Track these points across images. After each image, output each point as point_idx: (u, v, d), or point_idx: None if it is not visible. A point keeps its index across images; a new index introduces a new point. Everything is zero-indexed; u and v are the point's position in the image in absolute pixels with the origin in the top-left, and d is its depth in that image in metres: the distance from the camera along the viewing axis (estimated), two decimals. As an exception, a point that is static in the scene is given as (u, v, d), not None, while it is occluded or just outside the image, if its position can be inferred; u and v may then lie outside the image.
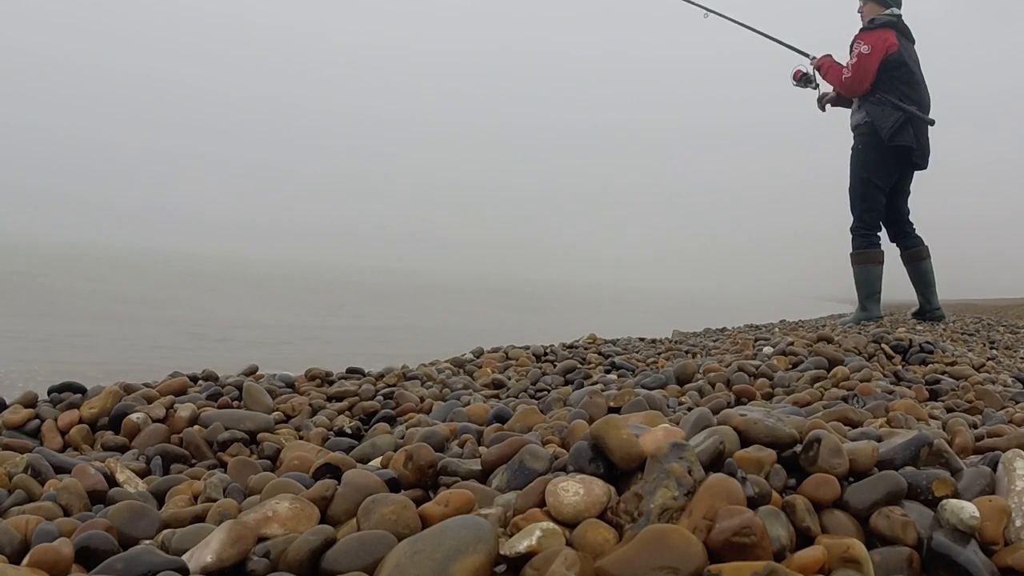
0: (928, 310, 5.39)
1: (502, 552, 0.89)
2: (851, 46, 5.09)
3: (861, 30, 5.06)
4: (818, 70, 5.33)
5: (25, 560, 0.94)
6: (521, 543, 0.89)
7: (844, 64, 5.09)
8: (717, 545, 0.87)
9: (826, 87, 5.43)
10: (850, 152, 5.26)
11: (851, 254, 5.32)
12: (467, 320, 15.28)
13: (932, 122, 5.02)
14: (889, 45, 4.93)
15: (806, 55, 5.46)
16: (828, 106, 5.51)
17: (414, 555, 0.86)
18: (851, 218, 5.30)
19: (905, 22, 5.09)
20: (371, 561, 0.90)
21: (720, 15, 5.63)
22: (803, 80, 5.45)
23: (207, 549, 0.92)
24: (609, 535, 0.92)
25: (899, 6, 5.11)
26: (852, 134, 5.27)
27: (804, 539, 0.94)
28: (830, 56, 5.28)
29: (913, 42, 5.15)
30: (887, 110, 4.96)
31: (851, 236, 5.30)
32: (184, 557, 0.94)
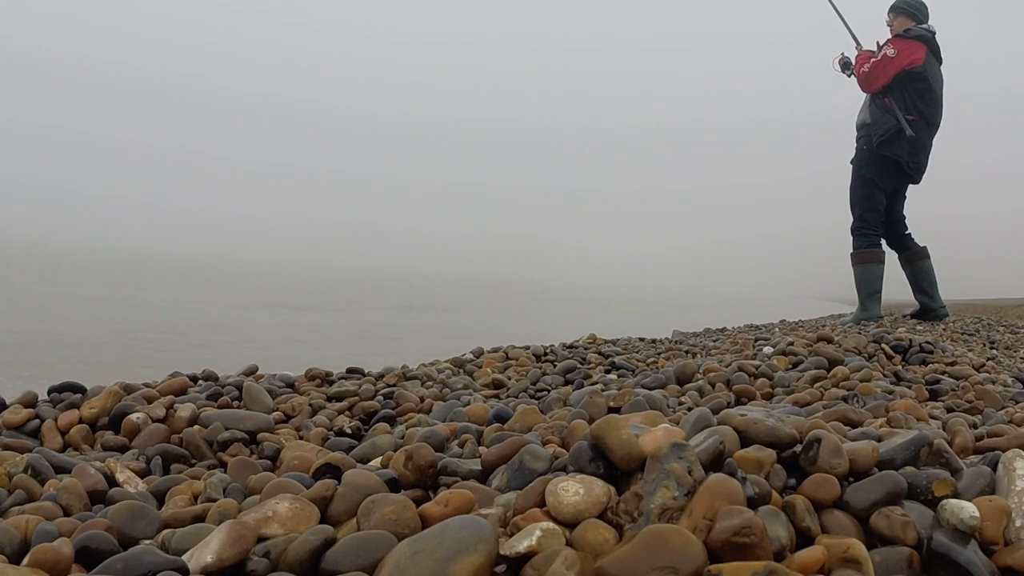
0: (933, 308, 5.40)
1: (502, 552, 0.89)
2: (880, 48, 5.16)
3: (896, 36, 5.11)
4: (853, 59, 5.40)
5: (25, 560, 0.94)
6: (521, 543, 0.89)
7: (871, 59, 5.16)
8: (717, 545, 0.87)
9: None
10: (856, 152, 5.30)
11: (851, 254, 5.33)
12: (467, 320, 15.28)
13: (914, 136, 5.01)
14: (916, 59, 5.01)
15: (859, 44, 5.50)
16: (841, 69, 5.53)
17: (414, 555, 0.86)
18: (851, 218, 5.32)
19: (938, 42, 5.14)
20: (371, 561, 0.90)
21: None
22: (845, 66, 5.50)
23: (207, 549, 0.92)
24: (609, 535, 0.92)
25: (927, 19, 5.15)
26: (856, 132, 5.32)
27: (804, 539, 0.94)
28: (871, 51, 5.32)
29: (940, 62, 5.20)
30: (886, 117, 5.00)
31: (852, 236, 5.31)
32: (184, 557, 0.94)
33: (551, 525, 0.92)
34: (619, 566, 0.85)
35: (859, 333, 3.53)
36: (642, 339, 4.48)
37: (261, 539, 0.97)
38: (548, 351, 3.53)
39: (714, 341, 4.19)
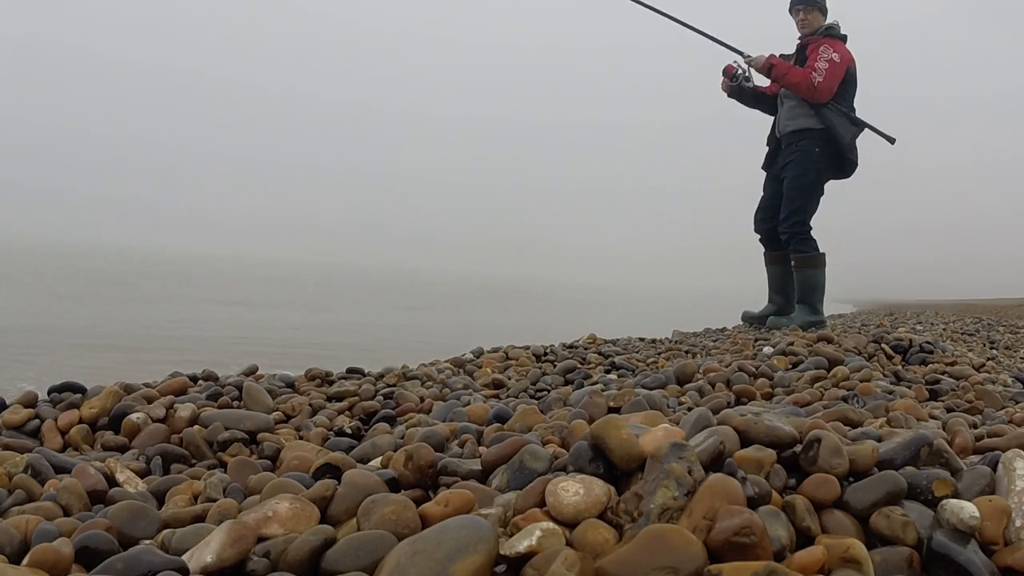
0: (786, 314, 5.06)
1: (502, 552, 0.89)
2: (809, 50, 4.82)
3: (827, 37, 4.83)
4: (770, 69, 4.94)
5: (25, 560, 0.95)
6: (521, 543, 0.89)
7: (809, 68, 4.76)
8: (717, 545, 0.87)
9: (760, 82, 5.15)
10: (797, 153, 4.88)
11: (807, 257, 4.97)
12: (467, 320, 15.29)
13: (893, 140, 4.88)
14: (852, 58, 4.84)
15: (740, 52, 5.22)
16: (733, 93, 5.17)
17: (414, 555, 0.86)
18: (797, 219, 4.96)
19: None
20: (371, 561, 0.90)
21: (649, 7, 5.33)
22: (737, 78, 5.09)
23: (207, 549, 0.92)
24: (609, 535, 0.92)
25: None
26: (788, 136, 4.92)
27: (804, 539, 0.94)
28: (775, 55, 5.05)
29: None
30: (844, 122, 4.82)
31: (797, 237, 4.91)
32: (184, 557, 0.94)
33: (551, 525, 0.92)
34: (619, 566, 0.85)
35: (859, 333, 3.53)
36: (642, 339, 4.48)
37: (261, 539, 0.97)
38: (548, 351, 3.53)
39: (714, 341, 4.19)
